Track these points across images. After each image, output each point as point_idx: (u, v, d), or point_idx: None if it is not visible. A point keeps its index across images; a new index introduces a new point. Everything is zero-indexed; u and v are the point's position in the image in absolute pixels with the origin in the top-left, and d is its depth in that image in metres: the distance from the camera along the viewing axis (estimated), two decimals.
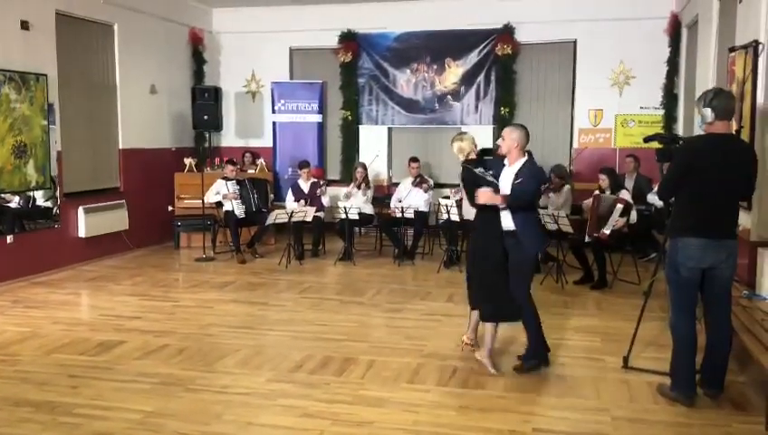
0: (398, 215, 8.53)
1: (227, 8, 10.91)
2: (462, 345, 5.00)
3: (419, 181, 8.78)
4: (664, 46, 9.50)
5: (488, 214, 4.67)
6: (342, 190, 9.15)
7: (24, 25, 7.46)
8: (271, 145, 10.73)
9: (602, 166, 7.87)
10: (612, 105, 9.92)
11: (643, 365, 4.69)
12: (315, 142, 10.67)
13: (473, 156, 4.91)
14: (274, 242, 9.72)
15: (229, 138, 11.24)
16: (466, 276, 5.01)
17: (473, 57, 10.29)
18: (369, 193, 9.08)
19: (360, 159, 10.00)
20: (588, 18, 9.68)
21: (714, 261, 3.96)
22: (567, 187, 8.19)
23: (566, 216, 7.37)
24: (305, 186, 9.06)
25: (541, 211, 7.47)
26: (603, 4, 9.57)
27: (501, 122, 9.70)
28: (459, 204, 7.56)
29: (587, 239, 7.20)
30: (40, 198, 7.79)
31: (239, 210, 8.80)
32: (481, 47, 10.22)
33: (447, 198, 8.15)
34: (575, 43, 9.99)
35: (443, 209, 7.96)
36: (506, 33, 9.99)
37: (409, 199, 8.69)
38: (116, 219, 8.94)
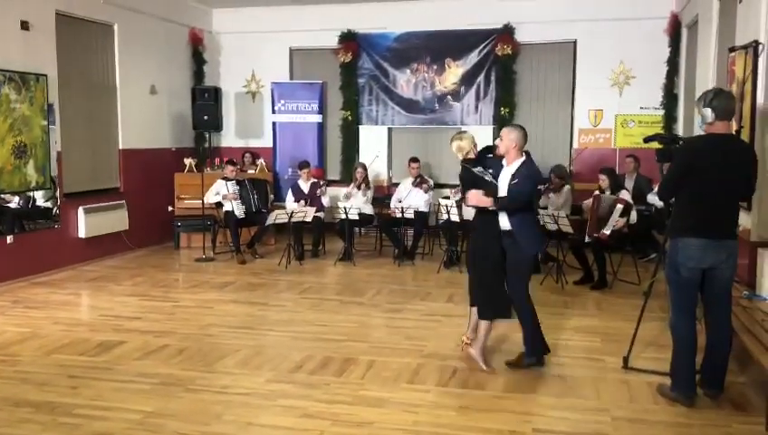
0: (398, 215, 8.54)
1: (227, 8, 10.91)
2: (462, 345, 5.00)
3: (420, 182, 8.77)
4: (664, 46, 9.50)
5: (487, 214, 4.67)
6: (342, 191, 9.14)
7: (24, 25, 7.46)
8: (271, 145, 10.73)
9: (602, 166, 7.86)
10: (612, 105, 9.92)
11: (643, 365, 4.69)
12: (315, 143, 10.66)
13: (471, 155, 4.91)
14: (274, 242, 9.72)
15: (229, 138, 11.24)
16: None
17: (473, 57, 10.29)
18: (370, 194, 9.07)
19: (360, 160, 10.00)
20: (588, 18, 9.68)
21: (714, 261, 3.96)
22: (567, 187, 8.19)
23: (566, 216, 7.37)
24: (305, 186, 9.05)
25: (541, 211, 7.49)
26: (603, 4, 9.57)
27: (501, 122, 9.68)
28: (459, 204, 7.56)
29: (587, 239, 7.20)
30: (40, 198, 7.80)
31: (239, 211, 8.80)
32: (481, 47, 10.22)
33: (447, 198, 8.15)
34: (575, 43, 9.99)
35: (443, 210, 7.95)
36: (506, 33, 9.99)
37: (409, 200, 8.69)
38: (116, 220, 8.94)
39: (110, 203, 8.87)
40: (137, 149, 9.43)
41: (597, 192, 7.28)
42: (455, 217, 7.79)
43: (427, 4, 10.20)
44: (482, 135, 8.39)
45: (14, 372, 4.70)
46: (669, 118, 9.56)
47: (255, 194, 9.00)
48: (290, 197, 9.08)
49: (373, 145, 10.55)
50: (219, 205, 8.89)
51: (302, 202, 8.84)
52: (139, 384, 4.46)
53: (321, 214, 8.91)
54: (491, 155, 4.93)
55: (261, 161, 10.37)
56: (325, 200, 9.00)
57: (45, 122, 7.72)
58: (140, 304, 6.59)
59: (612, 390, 4.37)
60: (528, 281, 4.74)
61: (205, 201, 8.89)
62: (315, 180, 9.16)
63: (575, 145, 10.08)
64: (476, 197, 4.59)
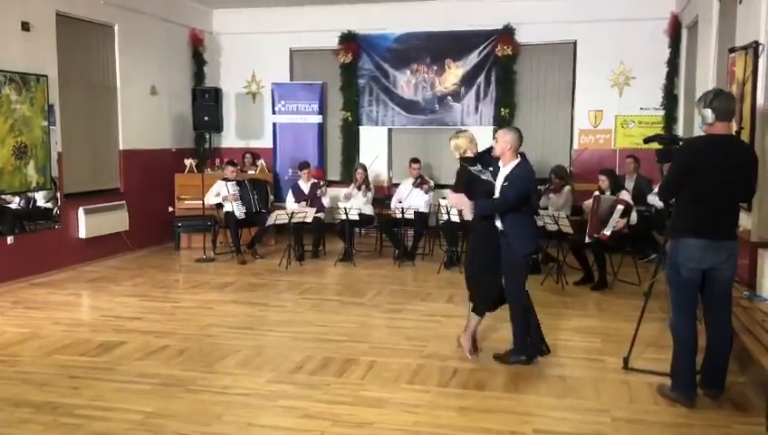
0: (399, 216, 8.54)
1: (227, 9, 10.91)
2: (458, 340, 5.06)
3: (420, 182, 8.78)
4: (664, 47, 9.51)
5: None
6: (342, 191, 9.15)
7: (25, 26, 7.46)
8: (271, 146, 10.73)
9: (602, 167, 7.87)
10: (612, 106, 9.93)
11: (643, 366, 4.69)
12: (315, 143, 10.67)
13: (469, 154, 4.91)
14: (275, 243, 9.72)
15: (229, 139, 11.24)
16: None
17: (473, 58, 10.29)
18: (370, 194, 9.07)
19: (361, 160, 10.00)
20: (588, 19, 9.69)
21: (714, 262, 3.96)
22: (567, 187, 8.19)
23: (566, 216, 7.37)
24: (305, 187, 9.06)
25: (541, 212, 7.49)
26: (603, 4, 9.57)
27: (501, 123, 9.70)
28: None
29: (587, 240, 7.20)
30: (40, 198, 7.80)
31: (239, 211, 8.80)
32: (481, 48, 10.23)
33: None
34: (575, 43, 10.00)
35: (443, 210, 7.95)
36: (506, 33, 10.00)
37: (410, 200, 8.69)
38: (116, 220, 8.94)
39: (111, 204, 8.87)
40: (137, 150, 9.43)
41: (597, 193, 7.28)
42: (455, 218, 7.78)
43: (427, 4, 10.21)
44: (482, 136, 8.36)
45: (14, 373, 4.70)
46: (669, 118, 9.57)
47: (256, 195, 9.00)
48: (290, 197, 9.08)
49: (373, 146, 10.54)
50: (219, 206, 8.90)
51: (303, 203, 8.85)
52: (139, 385, 4.46)
53: (321, 214, 8.92)
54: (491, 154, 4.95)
55: (261, 162, 10.38)
56: (325, 201, 9.01)
57: (46, 123, 7.73)
58: (141, 305, 6.60)
59: (612, 390, 4.37)
60: (524, 281, 4.74)
61: (205, 202, 8.89)
62: (315, 181, 9.16)
63: (575, 146, 10.08)
64: (455, 198, 4.62)
